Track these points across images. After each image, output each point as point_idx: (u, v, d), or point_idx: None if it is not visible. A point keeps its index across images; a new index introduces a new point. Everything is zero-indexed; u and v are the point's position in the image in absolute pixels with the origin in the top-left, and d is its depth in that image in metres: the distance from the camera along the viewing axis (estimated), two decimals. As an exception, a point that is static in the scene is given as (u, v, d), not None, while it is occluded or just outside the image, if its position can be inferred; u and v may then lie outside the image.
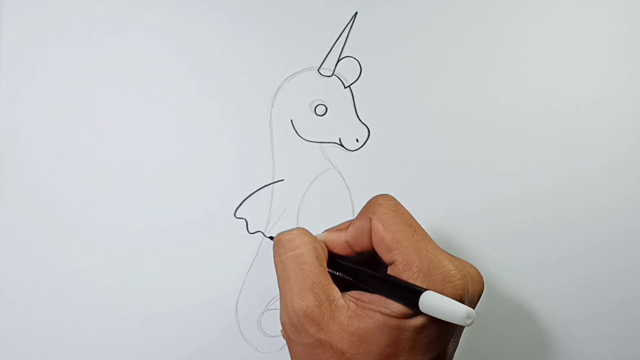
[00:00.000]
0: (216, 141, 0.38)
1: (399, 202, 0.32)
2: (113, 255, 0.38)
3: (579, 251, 0.41)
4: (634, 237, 0.41)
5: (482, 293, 0.31)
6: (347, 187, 0.39)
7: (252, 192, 0.38)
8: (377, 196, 0.32)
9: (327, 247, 0.33)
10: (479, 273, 0.31)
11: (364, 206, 0.32)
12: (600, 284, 0.41)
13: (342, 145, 0.39)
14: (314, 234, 0.34)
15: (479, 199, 0.40)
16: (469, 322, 0.26)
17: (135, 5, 0.38)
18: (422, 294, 0.28)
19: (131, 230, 0.38)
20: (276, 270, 0.32)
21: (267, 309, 0.39)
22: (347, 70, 0.39)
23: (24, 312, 0.37)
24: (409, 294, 0.28)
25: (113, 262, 0.38)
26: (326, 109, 0.39)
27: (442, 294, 0.28)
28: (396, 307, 0.29)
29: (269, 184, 0.38)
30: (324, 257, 0.32)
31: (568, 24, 0.40)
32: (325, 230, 0.35)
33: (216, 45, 0.38)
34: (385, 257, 0.31)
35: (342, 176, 0.39)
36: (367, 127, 0.39)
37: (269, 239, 0.38)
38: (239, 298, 0.38)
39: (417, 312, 0.29)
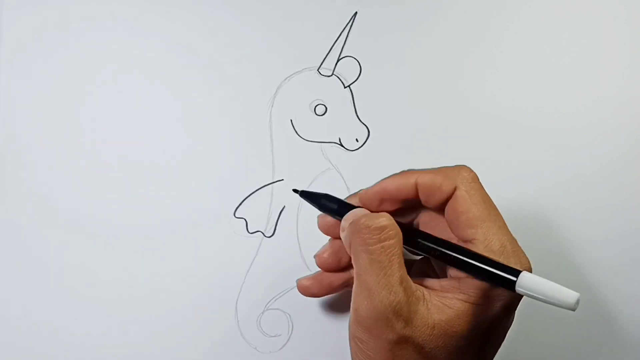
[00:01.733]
0: (216, 141, 0.38)
1: (481, 183, 0.31)
2: (113, 255, 0.38)
3: (579, 251, 0.41)
4: (634, 237, 0.41)
5: None
6: (347, 187, 0.39)
7: (251, 192, 0.38)
8: (460, 165, 0.31)
9: (389, 194, 0.31)
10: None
11: (445, 167, 0.31)
12: (600, 284, 0.41)
13: (342, 145, 0.39)
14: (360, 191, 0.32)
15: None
16: (576, 306, 0.26)
17: (135, 5, 0.38)
18: (521, 273, 0.27)
19: (131, 230, 0.38)
20: (358, 258, 0.30)
21: (267, 309, 0.39)
22: (347, 70, 0.39)
23: (24, 311, 0.37)
24: (508, 272, 0.28)
25: (113, 262, 0.38)
26: (326, 108, 0.39)
27: None
28: (476, 292, 0.28)
29: (269, 184, 0.38)
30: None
31: (568, 24, 0.40)
32: (387, 178, 0.32)
33: (216, 45, 0.38)
34: (463, 232, 0.30)
35: (342, 176, 0.39)
36: (367, 127, 0.39)
37: (267, 238, 0.38)
38: (238, 298, 0.38)
39: (494, 295, 0.28)
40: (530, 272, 0.29)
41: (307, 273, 0.39)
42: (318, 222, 0.35)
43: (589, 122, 0.40)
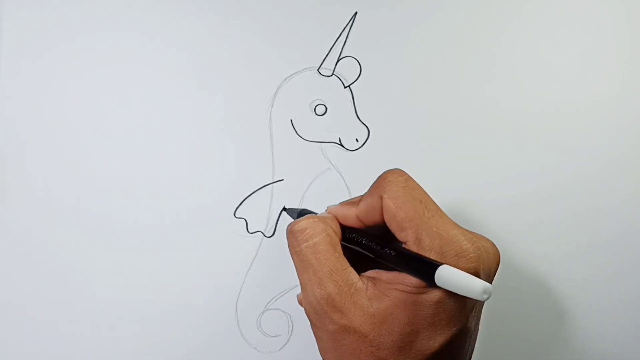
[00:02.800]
0: (216, 141, 0.38)
1: (409, 177, 0.31)
2: (113, 255, 0.38)
3: (579, 251, 0.41)
4: (634, 237, 0.41)
5: (498, 266, 0.31)
6: (347, 187, 0.39)
7: (252, 192, 0.38)
8: (387, 172, 0.32)
9: (338, 220, 0.33)
10: (494, 246, 0.31)
11: (375, 182, 0.32)
12: (600, 284, 0.41)
13: (341, 145, 0.39)
14: (326, 208, 0.34)
15: (479, 199, 0.40)
16: (485, 297, 0.26)
17: (136, 5, 0.38)
18: (438, 267, 0.28)
19: (131, 230, 0.38)
20: (293, 262, 0.32)
21: (267, 309, 0.39)
22: (347, 70, 0.39)
23: (23, 310, 0.37)
24: (425, 268, 0.28)
25: (113, 262, 0.38)
26: (326, 108, 0.39)
27: (456, 267, 0.28)
28: (412, 281, 0.29)
29: (269, 184, 0.38)
30: (338, 240, 0.32)
31: (568, 24, 0.40)
32: (339, 203, 0.34)
33: (216, 45, 0.38)
34: (398, 235, 0.31)
35: (341, 176, 0.39)
36: (366, 127, 0.39)
37: (267, 238, 0.38)
38: (238, 298, 0.38)
39: (433, 286, 0.28)
40: (488, 255, 0.29)
41: (307, 273, 0.39)
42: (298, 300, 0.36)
43: (589, 122, 0.40)
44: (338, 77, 0.39)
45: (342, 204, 0.34)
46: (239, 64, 0.38)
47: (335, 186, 0.39)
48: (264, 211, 0.38)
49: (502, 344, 0.41)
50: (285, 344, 0.39)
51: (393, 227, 0.31)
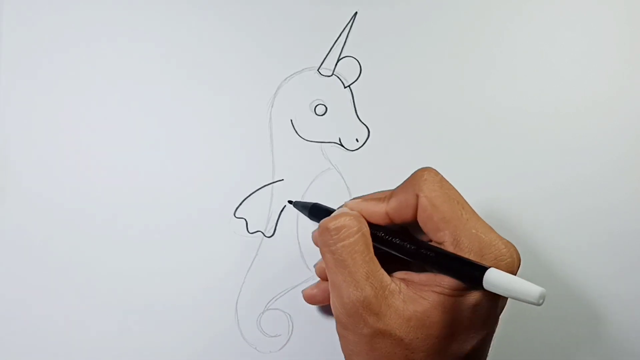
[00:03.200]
0: (216, 141, 0.38)
1: (444, 177, 0.31)
2: (113, 255, 0.38)
3: (579, 251, 0.41)
4: (634, 237, 0.41)
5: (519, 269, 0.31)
6: (347, 187, 0.39)
7: (252, 192, 0.38)
8: (422, 169, 0.31)
9: (363, 217, 0.32)
10: (517, 251, 0.30)
11: (408, 178, 0.32)
12: (599, 284, 0.41)
13: (342, 145, 0.39)
14: (345, 202, 0.33)
15: (479, 200, 0.40)
16: (541, 301, 0.26)
17: (135, 6, 0.38)
18: (488, 270, 0.27)
19: (131, 230, 0.38)
20: (325, 260, 0.31)
21: (267, 309, 0.39)
22: (347, 70, 0.39)
23: (23, 310, 0.37)
24: (472, 270, 0.28)
25: (113, 262, 0.38)
26: (326, 108, 0.39)
27: None
28: (451, 283, 0.29)
29: (269, 184, 0.38)
30: (371, 241, 0.31)
31: (568, 24, 0.40)
32: (359, 198, 0.33)
33: (216, 45, 0.38)
34: (434, 236, 0.30)
35: (341, 176, 0.39)
36: (367, 127, 0.39)
37: (267, 238, 0.38)
38: (238, 298, 0.38)
39: (473, 288, 0.28)
40: (517, 261, 0.29)
41: (307, 273, 0.39)
42: (315, 269, 0.36)
43: (589, 122, 0.40)
44: (338, 77, 0.39)
45: (366, 199, 0.33)
46: (239, 64, 0.38)
47: (335, 186, 0.39)
48: (264, 211, 0.38)
49: (501, 345, 0.41)
50: (285, 344, 0.39)
51: (429, 226, 0.30)
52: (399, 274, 0.31)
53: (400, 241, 0.31)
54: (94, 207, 0.38)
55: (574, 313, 0.41)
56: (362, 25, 0.39)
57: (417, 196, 0.30)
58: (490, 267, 0.28)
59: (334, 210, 0.34)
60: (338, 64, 0.39)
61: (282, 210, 0.39)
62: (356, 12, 0.39)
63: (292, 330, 0.39)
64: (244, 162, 0.38)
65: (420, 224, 0.31)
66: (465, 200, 0.31)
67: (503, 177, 0.40)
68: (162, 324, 0.38)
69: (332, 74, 0.39)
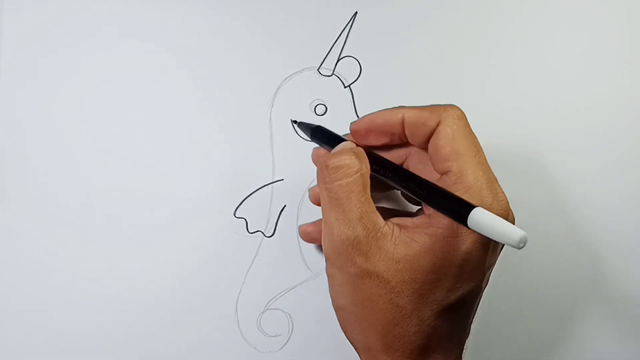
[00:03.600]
0: (216, 141, 0.38)
1: (468, 122, 0.31)
2: (113, 255, 0.38)
3: (580, 251, 0.41)
4: (634, 237, 0.41)
5: None
6: (347, 187, 0.39)
7: (252, 192, 0.38)
8: (450, 105, 0.31)
9: (376, 125, 0.32)
10: (512, 212, 0.31)
11: (435, 105, 0.31)
12: (600, 285, 0.41)
13: (342, 145, 0.39)
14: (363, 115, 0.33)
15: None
16: (522, 245, 0.26)
17: (135, 5, 0.38)
18: (474, 209, 0.27)
19: (131, 230, 0.38)
20: (321, 197, 0.31)
21: (267, 309, 0.39)
22: (347, 70, 0.39)
23: (23, 310, 0.37)
24: (459, 207, 0.28)
25: (113, 262, 0.38)
26: (326, 108, 0.39)
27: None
28: (445, 223, 0.29)
29: (269, 184, 0.38)
30: (369, 182, 0.31)
31: (568, 24, 0.40)
32: (377, 112, 0.33)
33: (216, 45, 0.38)
34: (439, 164, 0.30)
35: (342, 176, 0.39)
36: (367, 127, 0.39)
37: (267, 238, 0.38)
38: (238, 298, 0.38)
39: (463, 230, 0.28)
40: (507, 211, 0.30)
41: (307, 273, 0.39)
42: (309, 196, 0.36)
43: (589, 122, 0.40)
44: (338, 77, 0.39)
45: (385, 109, 0.32)
46: (239, 64, 0.38)
47: (335, 186, 0.39)
48: (264, 211, 0.38)
49: (499, 342, 0.41)
50: (285, 344, 0.39)
51: (439, 154, 0.30)
52: (394, 219, 0.31)
53: (397, 171, 0.31)
54: (94, 207, 0.38)
55: (575, 315, 0.41)
56: (362, 25, 0.39)
57: (440, 122, 0.30)
58: (478, 206, 0.27)
59: (336, 136, 0.34)
60: (338, 64, 0.39)
61: (282, 210, 0.39)
62: (356, 12, 0.39)
63: (292, 330, 0.39)
64: (244, 162, 0.38)
65: (431, 149, 0.30)
66: (482, 148, 0.30)
67: (502, 177, 0.40)
68: (162, 324, 0.38)
69: (332, 74, 0.39)
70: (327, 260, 0.31)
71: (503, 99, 0.40)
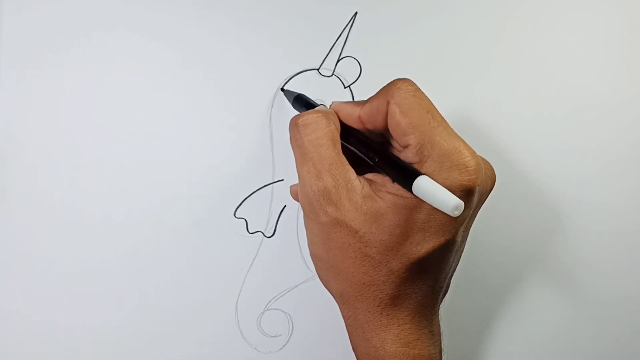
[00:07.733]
0: (216, 141, 0.38)
1: (418, 88, 0.31)
2: (113, 255, 0.38)
3: (579, 252, 0.41)
4: (634, 237, 0.41)
5: (492, 189, 0.32)
6: (347, 187, 0.39)
7: (252, 192, 0.38)
8: (397, 79, 0.32)
9: (339, 118, 0.33)
10: (492, 169, 0.32)
11: (383, 87, 0.32)
12: (600, 285, 0.41)
13: (342, 145, 0.39)
14: (332, 102, 0.34)
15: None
16: (456, 212, 0.27)
17: (136, 5, 0.38)
18: (417, 177, 0.28)
19: (131, 229, 0.38)
20: (294, 154, 0.33)
21: (267, 309, 0.39)
22: (347, 70, 0.39)
23: (23, 310, 0.37)
24: (406, 175, 0.29)
25: (113, 262, 0.38)
26: (326, 109, 0.39)
27: (449, 179, 0.28)
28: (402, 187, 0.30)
29: (269, 184, 0.38)
30: (339, 138, 0.32)
31: (568, 24, 0.40)
32: (341, 102, 0.34)
33: (216, 45, 0.38)
34: (400, 140, 0.31)
35: (342, 176, 0.39)
36: (367, 127, 0.39)
37: (267, 238, 0.38)
38: (238, 298, 0.38)
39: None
40: (485, 170, 0.30)
41: (307, 273, 0.39)
42: (291, 192, 0.37)
43: (589, 122, 0.40)
44: (338, 77, 0.39)
45: (345, 102, 0.34)
46: (239, 64, 0.38)
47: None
48: (264, 211, 0.38)
49: (498, 343, 0.41)
50: (285, 344, 0.39)
51: (396, 132, 0.31)
52: (367, 175, 0.32)
53: (359, 142, 0.32)
54: (94, 207, 0.37)
55: (575, 315, 0.41)
56: (362, 25, 0.39)
57: (388, 103, 0.31)
58: (422, 174, 0.28)
59: (314, 104, 0.35)
60: (338, 64, 0.39)
61: (282, 210, 0.39)
62: (356, 12, 0.39)
63: (292, 330, 0.39)
64: (244, 162, 0.38)
65: (390, 130, 0.31)
66: (436, 110, 0.31)
67: (503, 177, 0.40)
68: (162, 324, 0.38)
69: (332, 74, 0.39)
70: (303, 213, 0.33)
71: (503, 99, 0.40)
